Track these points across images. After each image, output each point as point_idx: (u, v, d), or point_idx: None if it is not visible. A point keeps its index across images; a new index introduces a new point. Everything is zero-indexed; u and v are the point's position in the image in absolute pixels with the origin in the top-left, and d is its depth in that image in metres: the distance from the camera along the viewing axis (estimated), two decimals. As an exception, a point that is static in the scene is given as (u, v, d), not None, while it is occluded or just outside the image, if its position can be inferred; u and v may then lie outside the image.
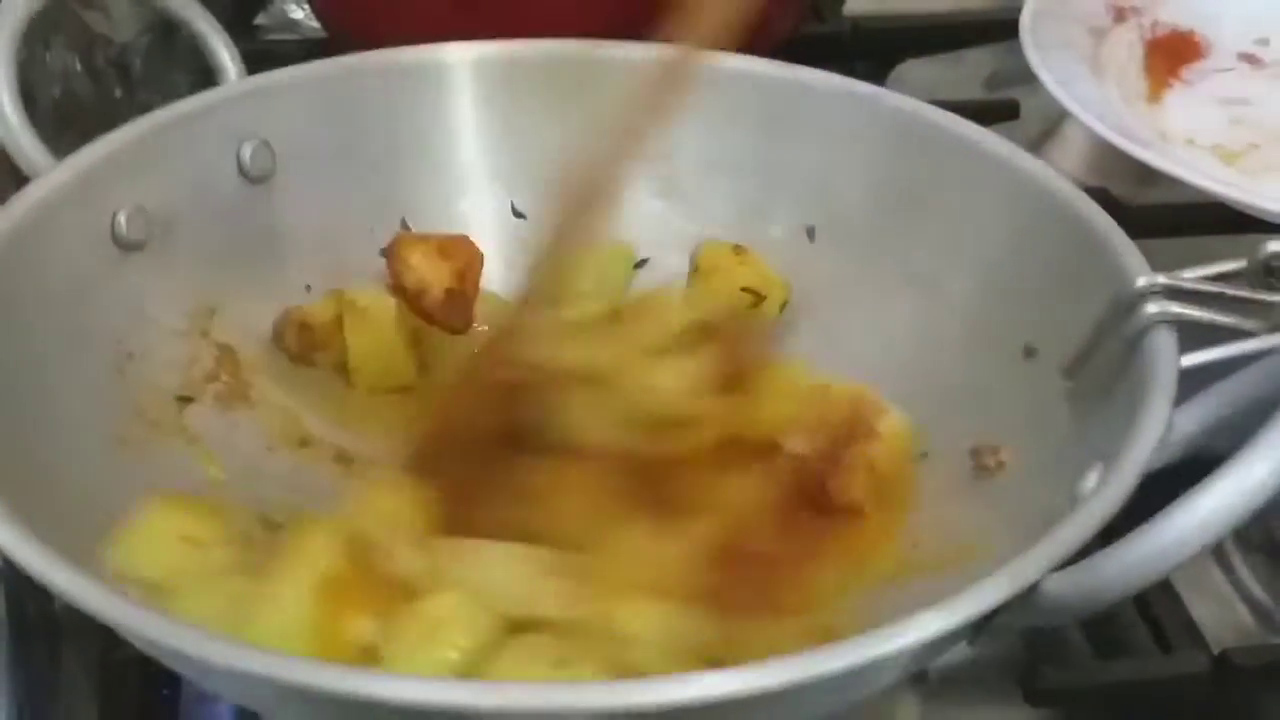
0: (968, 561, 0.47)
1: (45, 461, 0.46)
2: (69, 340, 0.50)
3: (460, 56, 0.62)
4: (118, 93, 0.71)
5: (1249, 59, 0.77)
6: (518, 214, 0.63)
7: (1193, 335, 0.46)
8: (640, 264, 0.63)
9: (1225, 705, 0.51)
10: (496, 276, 0.61)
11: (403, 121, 0.62)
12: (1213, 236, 0.70)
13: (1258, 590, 0.57)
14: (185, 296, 0.56)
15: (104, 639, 0.50)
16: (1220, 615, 0.42)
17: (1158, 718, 0.53)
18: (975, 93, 0.86)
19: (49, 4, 0.56)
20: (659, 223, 0.63)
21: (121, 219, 0.53)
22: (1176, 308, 0.46)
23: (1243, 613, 0.57)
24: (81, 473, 0.48)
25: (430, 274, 0.57)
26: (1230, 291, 0.47)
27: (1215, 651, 0.52)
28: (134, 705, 0.50)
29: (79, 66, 0.69)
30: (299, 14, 0.88)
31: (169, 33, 0.74)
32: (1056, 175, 0.55)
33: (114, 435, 0.51)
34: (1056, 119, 0.82)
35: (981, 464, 0.52)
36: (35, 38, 0.57)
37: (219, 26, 0.62)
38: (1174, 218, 0.71)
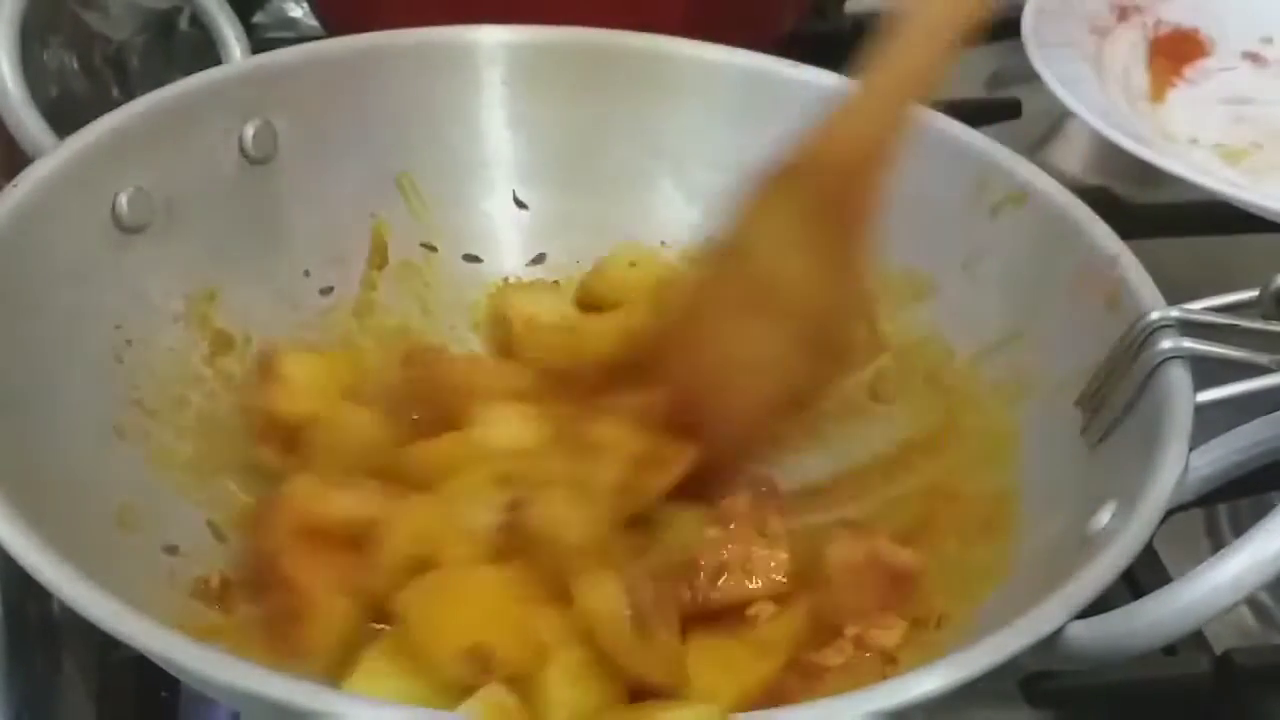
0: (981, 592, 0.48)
1: (42, 454, 0.46)
2: (69, 327, 0.50)
3: (472, 40, 0.62)
4: (115, 92, 0.71)
5: (1252, 58, 0.77)
6: (520, 204, 0.63)
7: (1207, 366, 0.46)
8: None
9: (1227, 706, 0.51)
10: (499, 261, 0.62)
11: (409, 104, 0.61)
12: (1216, 236, 0.70)
13: (1259, 591, 0.57)
14: (185, 280, 0.55)
15: (102, 640, 0.50)
16: (1222, 616, 0.42)
17: (1160, 718, 0.52)
18: (977, 91, 0.86)
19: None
20: (676, 222, 0.62)
21: (123, 200, 0.53)
22: (1189, 343, 0.46)
23: (1244, 613, 0.57)
24: (78, 466, 0.47)
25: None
26: (1243, 324, 0.47)
27: (1217, 652, 0.52)
28: (132, 706, 0.50)
29: (76, 65, 0.69)
30: (297, 12, 0.88)
31: (166, 31, 0.74)
32: (1074, 200, 0.55)
33: (112, 426, 0.50)
34: (1058, 118, 0.82)
35: None
36: (32, 36, 0.56)
37: (225, 4, 0.61)
38: (1177, 217, 0.71)
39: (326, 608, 0.46)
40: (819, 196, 0.49)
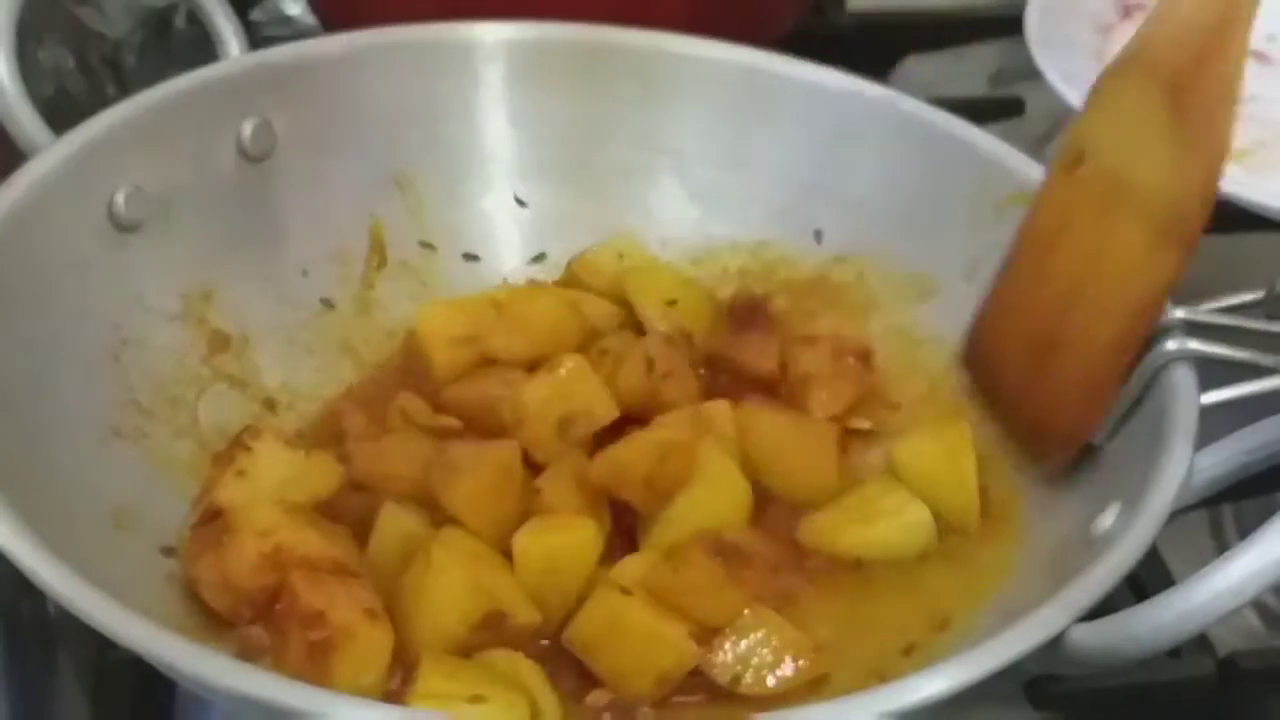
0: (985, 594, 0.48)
1: (39, 454, 0.46)
2: (66, 326, 0.50)
3: (471, 37, 0.62)
4: (111, 89, 0.71)
5: (1257, 56, 0.77)
6: (520, 201, 0.63)
7: (1212, 368, 0.46)
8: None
9: (1231, 709, 0.51)
10: (498, 260, 0.62)
11: (407, 102, 0.61)
12: (1218, 236, 0.70)
13: (1264, 594, 0.57)
14: (181, 280, 0.55)
15: (99, 640, 0.49)
16: (1226, 619, 0.42)
17: (1163, 721, 0.52)
18: (979, 89, 0.86)
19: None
20: (677, 219, 0.63)
21: (119, 199, 0.53)
22: (1195, 344, 0.46)
23: (1249, 616, 0.57)
24: (75, 466, 0.47)
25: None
26: (1248, 325, 0.47)
27: (1221, 655, 0.51)
28: (128, 707, 0.50)
29: (72, 64, 0.68)
30: (295, 9, 0.88)
31: (163, 28, 0.74)
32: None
33: (109, 426, 0.50)
34: (1061, 116, 0.81)
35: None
36: (29, 34, 0.56)
37: (222, 1, 0.61)
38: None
39: (365, 637, 0.44)
40: (1166, 85, 0.48)
